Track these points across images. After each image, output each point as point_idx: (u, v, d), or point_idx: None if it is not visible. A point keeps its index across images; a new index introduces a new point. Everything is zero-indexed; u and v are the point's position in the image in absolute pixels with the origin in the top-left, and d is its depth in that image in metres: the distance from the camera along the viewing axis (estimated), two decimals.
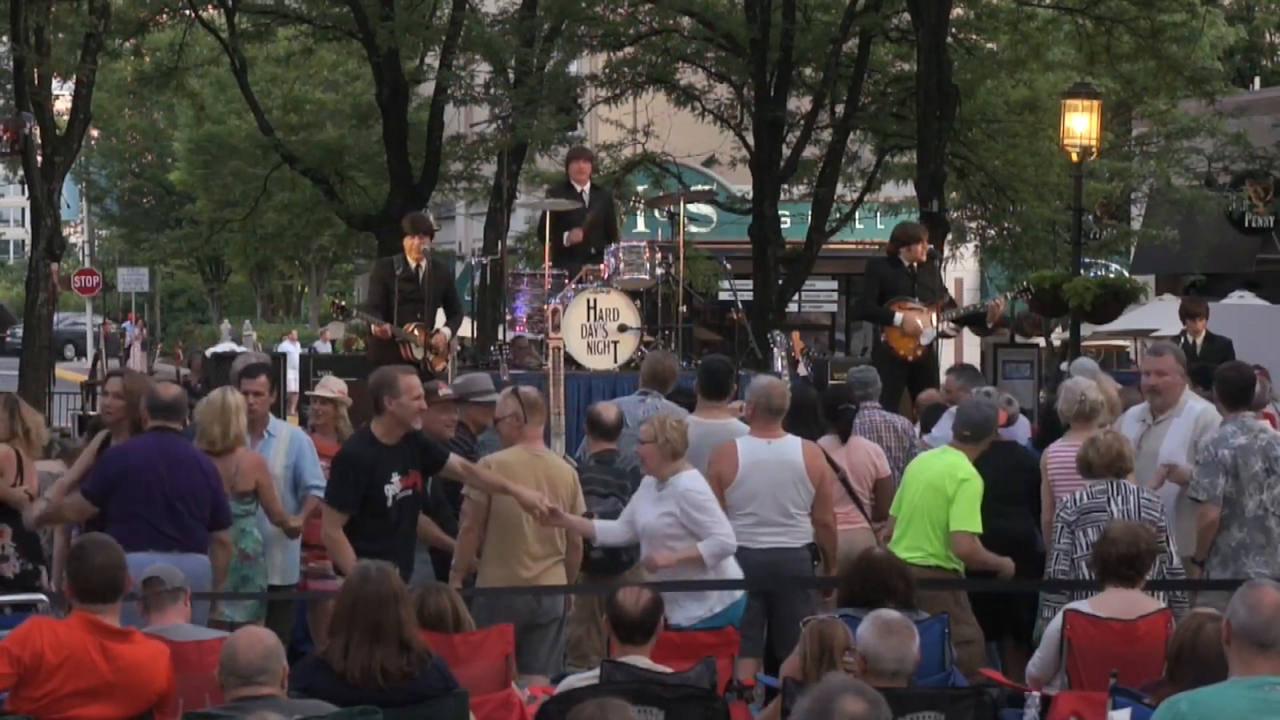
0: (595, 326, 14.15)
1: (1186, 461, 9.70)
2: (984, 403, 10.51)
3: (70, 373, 37.14)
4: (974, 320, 15.88)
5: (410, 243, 13.63)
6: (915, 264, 14.17)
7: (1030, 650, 8.57)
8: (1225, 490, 9.20)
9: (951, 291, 17.96)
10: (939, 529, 9.56)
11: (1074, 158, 22.55)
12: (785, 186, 26.05)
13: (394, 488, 8.91)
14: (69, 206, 48.96)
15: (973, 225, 29.91)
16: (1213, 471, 9.23)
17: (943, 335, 14.54)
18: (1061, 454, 9.88)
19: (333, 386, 11.57)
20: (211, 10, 28.10)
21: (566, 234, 15.00)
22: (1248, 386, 9.66)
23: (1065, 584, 8.89)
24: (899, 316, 14.02)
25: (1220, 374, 9.81)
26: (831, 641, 6.90)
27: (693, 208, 22.95)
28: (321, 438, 11.37)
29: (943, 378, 13.72)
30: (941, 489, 9.59)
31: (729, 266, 17.68)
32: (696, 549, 8.78)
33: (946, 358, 23.55)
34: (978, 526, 9.54)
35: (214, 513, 9.27)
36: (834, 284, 37.29)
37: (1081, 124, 22.19)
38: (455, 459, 9.29)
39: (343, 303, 20.75)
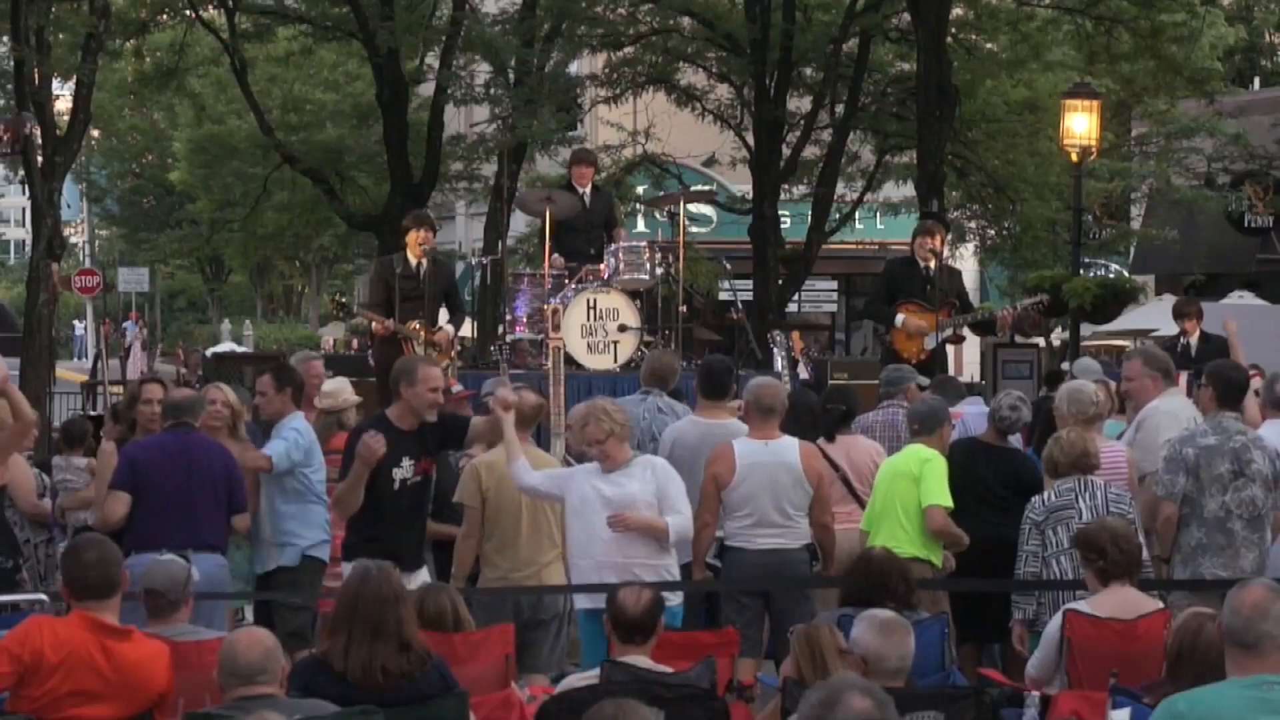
0: (595, 326, 14.15)
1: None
2: (929, 397, 10.68)
3: (70, 373, 37.13)
4: (984, 327, 15.78)
5: (413, 237, 13.74)
6: (930, 265, 14.08)
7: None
8: (1185, 489, 9.04)
9: None
10: (912, 515, 9.58)
11: (1074, 158, 22.57)
12: (785, 186, 26.06)
13: (404, 471, 8.94)
14: (69, 206, 48.90)
15: (973, 225, 29.93)
16: (1174, 469, 9.08)
17: (950, 340, 14.41)
18: None
19: (339, 396, 11.53)
20: (211, 10, 28.10)
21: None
22: (1244, 386, 9.56)
23: (1065, 584, 8.82)
24: (900, 318, 13.95)
25: (1219, 370, 9.57)
26: (820, 644, 6.88)
27: (693, 208, 22.91)
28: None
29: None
30: (907, 472, 9.66)
31: (729, 266, 17.67)
32: (665, 521, 8.72)
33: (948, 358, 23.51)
34: (948, 500, 9.56)
35: (231, 496, 9.49)
36: (834, 284, 37.25)
37: (1081, 124, 22.21)
38: (478, 420, 9.27)
39: (343, 299, 20.74)
